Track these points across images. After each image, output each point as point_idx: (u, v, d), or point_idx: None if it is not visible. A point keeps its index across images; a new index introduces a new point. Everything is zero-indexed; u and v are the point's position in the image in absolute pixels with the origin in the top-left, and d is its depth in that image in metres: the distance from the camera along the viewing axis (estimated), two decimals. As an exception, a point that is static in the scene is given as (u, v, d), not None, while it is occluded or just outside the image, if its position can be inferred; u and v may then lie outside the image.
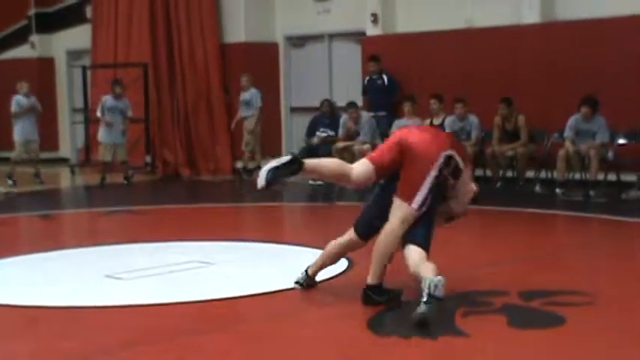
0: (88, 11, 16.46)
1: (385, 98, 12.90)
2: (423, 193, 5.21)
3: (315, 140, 13.03)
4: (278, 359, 4.54)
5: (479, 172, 11.99)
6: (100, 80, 15.46)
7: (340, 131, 12.61)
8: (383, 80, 12.95)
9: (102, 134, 13.33)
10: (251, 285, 6.09)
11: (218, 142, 14.53)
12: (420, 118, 12.35)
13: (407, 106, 12.41)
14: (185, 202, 11.66)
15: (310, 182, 12.80)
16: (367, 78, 13.15)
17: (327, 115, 13.15)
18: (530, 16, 12.12)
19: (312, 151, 12.92)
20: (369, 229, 5.55)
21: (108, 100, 13.28)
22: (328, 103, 13.26)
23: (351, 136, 12.49)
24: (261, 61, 14.64)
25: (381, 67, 12.95)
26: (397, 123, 12.51)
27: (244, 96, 13.71)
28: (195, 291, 5.96)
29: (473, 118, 11.85)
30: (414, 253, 5.19)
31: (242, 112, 13.74)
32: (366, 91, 13.22)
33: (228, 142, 14.41)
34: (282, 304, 5.71)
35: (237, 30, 14.75)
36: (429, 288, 4.80)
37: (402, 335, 4.75)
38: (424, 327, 4.75)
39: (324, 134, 12.95)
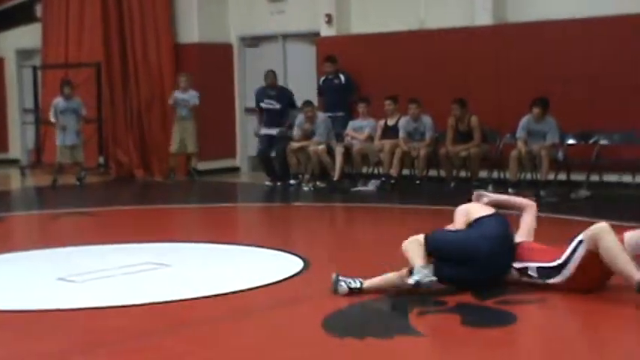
0: (38, 10, 16.23)
1: (342, 98, 12.91)
2: None
3: (260, 133, 13.02)
4: (234, 360, 4.57)
5: (432, 173, 12.13)
6: (50, 80, 15.28)
7: (295, 131, 12.62)
8: (340, 80, 12.96)
9: (57, 137, 13.19)
10: (206, 286, 6.09)
11: (172, 143, 14.42)
12: (374, 119, 12.44)
13: (361, 107, 12.49)
14: (139, 203, 11.58)
15: (267, 183, 12.81)
16: (323, 78, 13.14)
17: (271, 86, 13.03)
18: (483, 17, 12.27)
19: (268, 151, 12.92)
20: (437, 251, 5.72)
21: (60, 102, 13.14)
22: (272, 74, 13.14)
23: (307, 136, 12.50)
24: (215, 62, 14.59)
25: (337, 67, 12.98)
26: (352, 124, 12.60)
27: (182, 96, 13.60)
28: (150, 293, 5.94)
29: (426, 119, 11.95)
30: None
31: (181, 112, 13.61)
32: (321, 91, 13.24)
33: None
34: (237, 305, 5.72)
35: (191, 30, 14.67)
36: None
37: (357, 335, 4.79)
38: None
39: (270, 106, 12.85)
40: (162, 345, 4.78)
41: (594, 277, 5.52)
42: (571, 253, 5.52)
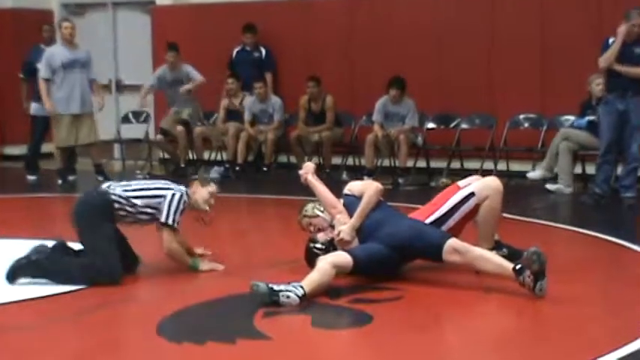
0: None
1: (260, 74, 12.17)
2: None
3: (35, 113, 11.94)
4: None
5: (282, 159, 12.19)
6: None
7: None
8: (260, 54, 12.40)
9: None
10: (23, 289, 5.87)
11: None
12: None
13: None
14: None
15: (99, 179, 12.48)
16: (238, 49, 12.51)
17: (48, 42, 11.94)
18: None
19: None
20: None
21: None
22: (50, 28, 12.34)
23: None
24: (33, 31, 14.06)
25: (257, 38, 12.40)
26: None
27: None
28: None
29: (275, 99, 11.97)
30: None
31: None
32: (233, 64, 12.52)
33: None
34: (59, 309, 5.55)
35: (4, -6, 14.15)
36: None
37: (196, 341, 4.74)
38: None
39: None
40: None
41: (463, 227, 6.22)
42: (458, 204, 6.12)
